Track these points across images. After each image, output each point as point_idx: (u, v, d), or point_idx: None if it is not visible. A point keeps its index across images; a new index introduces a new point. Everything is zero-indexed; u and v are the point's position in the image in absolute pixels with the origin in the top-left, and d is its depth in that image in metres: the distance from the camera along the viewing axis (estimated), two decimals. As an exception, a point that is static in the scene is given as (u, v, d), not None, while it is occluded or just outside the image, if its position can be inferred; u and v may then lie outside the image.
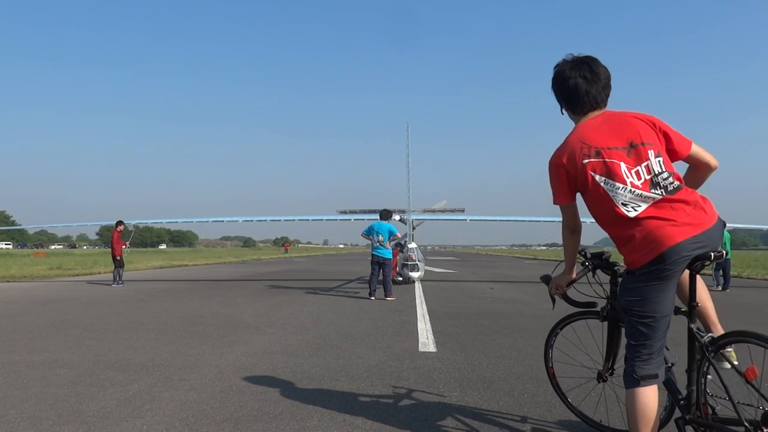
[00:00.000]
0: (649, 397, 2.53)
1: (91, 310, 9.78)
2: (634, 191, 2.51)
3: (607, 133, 2.62)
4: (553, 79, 2.85)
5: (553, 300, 3.09)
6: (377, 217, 13.21)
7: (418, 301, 11.26)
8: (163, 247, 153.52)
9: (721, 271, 14.96)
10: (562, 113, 2.91)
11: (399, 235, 12.93)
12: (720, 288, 14.66)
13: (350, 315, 9.10)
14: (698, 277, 2.69)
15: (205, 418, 3.63)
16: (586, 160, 2.59)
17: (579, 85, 2.73)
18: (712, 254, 2.47)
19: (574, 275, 2.96)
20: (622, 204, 2.52)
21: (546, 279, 3.09)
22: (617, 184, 2.53)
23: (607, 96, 2.78)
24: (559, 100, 2.88)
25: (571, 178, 2.66)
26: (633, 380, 2.56)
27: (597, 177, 2.57)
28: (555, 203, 2.76)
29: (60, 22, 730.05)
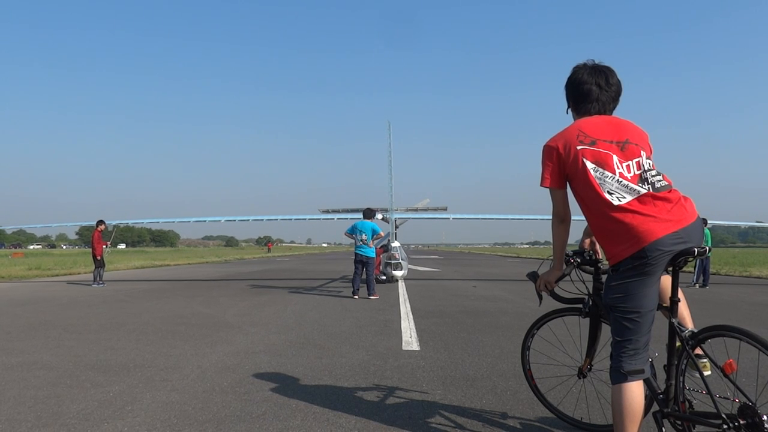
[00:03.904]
0: (635, 392, 2.57)
1: (71, 310, 9.66)
2: (622, 182, 2.59)
3: (605, 128, 2.74)
4: (569, 80, 2.94)
5: (540, 297, 3.11)
6: (360, 216, 13.20)
7: (401, 300, 11.29)
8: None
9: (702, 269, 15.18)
10: (567, 113, 3.01)
11: (382, 233, 12.93)
12: (698, 285, 14.87)
13: (334, 314, 9.09)
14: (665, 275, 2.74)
15: (188, 419, 3.61)
16: (580, 147, 2.68)
17: (592, 91, 2.85)
18: (696, 250, 2.52)
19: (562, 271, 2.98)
20: (608, 192, 2.59)
21: (533, 276, 3.10)
22: (607, 173, 2.62)
23: (614, 108, 2.92)
24: (568, 100, 2.98)
25: (562, 162, 2.73)
26: (620, 376, 2.60)
27: (588, 164, 2.65)
28: (542, 185, 2.81)
29: (31, 18, 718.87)
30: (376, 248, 13.36)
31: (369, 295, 11.78)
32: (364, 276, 12.27)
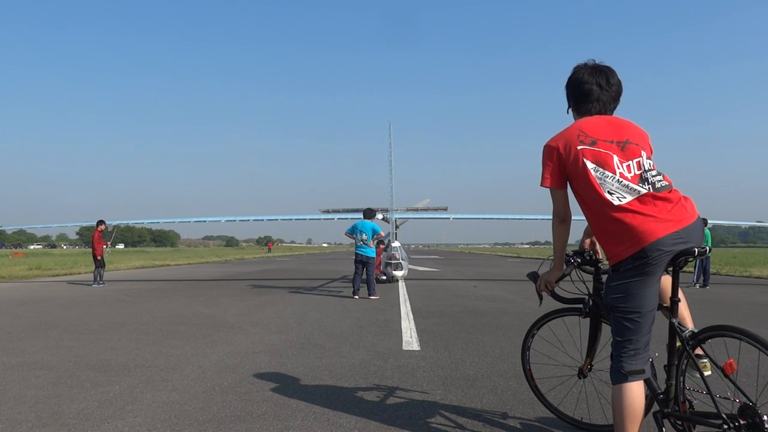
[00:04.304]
0: (636, 392, 2.57)
1: (71, 310, 9.66)
2: (622, 182, 2.59)
3: (606, 128, 2.74)
4: (570, 80, 2.94)
5: (540, 297, 3.10)
6: (360, 216, 13.20)
7: (401, 300, 11.29)
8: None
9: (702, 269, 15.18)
10: (568, 113, 3.01)
11: (383, 233, 12.91)
12: (698, 285, 14.87)
13: (334, 314, 9.09)
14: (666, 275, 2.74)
15: (188, 419, 3.61)
16: (580, 147, 2.68)
17: (593, 91, 2.85)
18: (696, 250, 2.52)
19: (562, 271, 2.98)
20: (609, 192, 2.59)
21: (533, 276, 3.10)
22: (607, 173, 2.62)
23: (614, 108, 2.91)
24: (569, 100, 2.98)
25: (563, 162, 2.73)
26: (620, 376, 2.59)
27: (589, 164, 2.65)
28: (542, 185, 2.81)
29: (31, 18, 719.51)
30: (376, 248, 13.34)
31: (369, 295, 11.78)
32: (364, 276, 12.26)
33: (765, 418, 2.35)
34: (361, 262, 12.29)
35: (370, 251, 12.38)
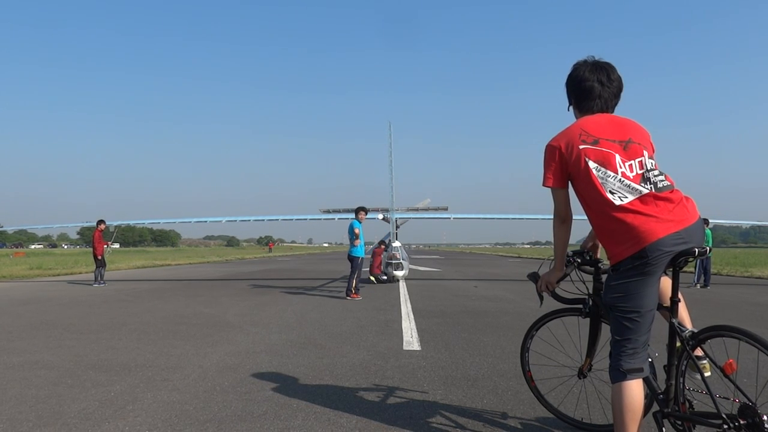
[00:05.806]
0: (635, 390, 2.57)
1: (72, 310, 9.67)
2: (624, 181, 2.59)
3: (608, 127, 2.73)
4: (570, 77, 2.93)
5: (541, 298, 3.10)
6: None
7: (402, 300, 11.30)
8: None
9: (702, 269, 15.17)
10: (569, 110, 3.00)
11: (357, 230, 12.84)
12: (699, 286, 14.86)
13: (334, 314, 9.09)
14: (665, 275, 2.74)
15: (189, 419, 3.61)
16: (582, 146, 2.68)
17: (594, 88, 2.84)
18: (697, 250, 2.52)
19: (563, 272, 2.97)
20: (610, 192, 2.59)
21: (533, 277, 3.10)
22: (609, 172, 2.61)
23: (615, 105, 2.90)
24: (570, 97, 2.97)
25: (565, 161, 2.73)
26: (619, 374, 2.60)
27: (591, 163, 2.64)
28: (543, 185, 2.80)
29: (32, 18, 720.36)
30: (376, 247, 13.35)
31: (346, 295, 11.82)
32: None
33: (765, 418, 2.35)
34: (349, 261, 12.53)
35: (355, 250, 12.57)
